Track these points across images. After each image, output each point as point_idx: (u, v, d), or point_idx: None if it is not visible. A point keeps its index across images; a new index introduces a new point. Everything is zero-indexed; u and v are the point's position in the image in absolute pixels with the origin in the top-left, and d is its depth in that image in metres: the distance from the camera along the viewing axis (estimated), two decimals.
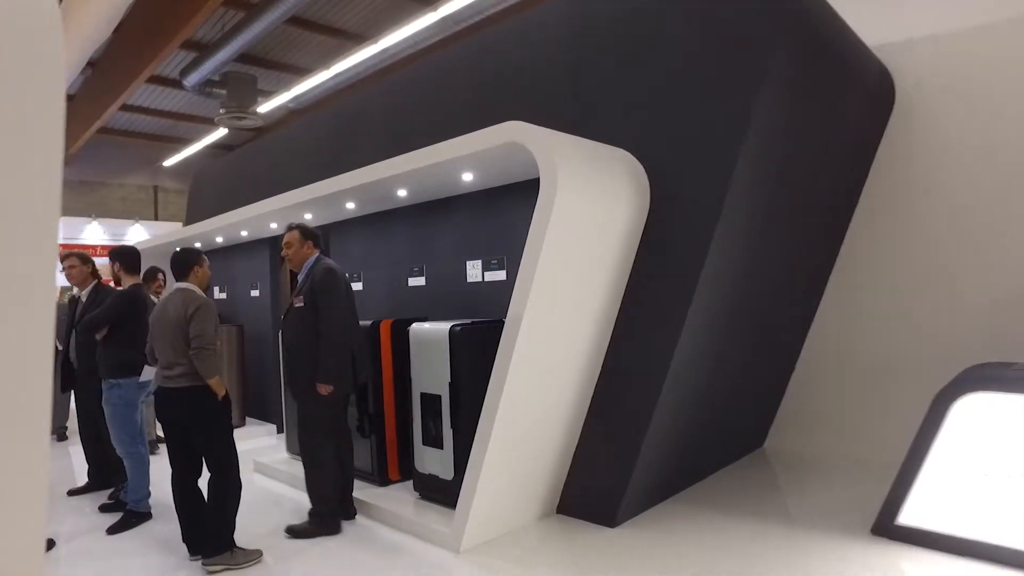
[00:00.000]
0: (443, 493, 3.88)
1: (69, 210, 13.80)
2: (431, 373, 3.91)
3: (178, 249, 3.69)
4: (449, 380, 3.80)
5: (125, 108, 13.08)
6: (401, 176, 3.98)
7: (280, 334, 4.19)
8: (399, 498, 4.10)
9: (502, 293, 4.34)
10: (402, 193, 4.52)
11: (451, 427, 3.80)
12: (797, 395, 5.29)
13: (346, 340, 3.72)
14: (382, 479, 4.35)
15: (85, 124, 12.58)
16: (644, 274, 3.70)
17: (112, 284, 4.41)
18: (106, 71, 11.60)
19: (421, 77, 5.37)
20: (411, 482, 4.15)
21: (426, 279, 4.95)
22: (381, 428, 4.34)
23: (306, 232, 3.89)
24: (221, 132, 13.36)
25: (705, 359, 3.93)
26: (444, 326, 3.85)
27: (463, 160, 3.61)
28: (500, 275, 4.39)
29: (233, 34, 10.01)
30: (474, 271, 4.55)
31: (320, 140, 6.33)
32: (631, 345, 3.69)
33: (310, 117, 6.70)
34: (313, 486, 3.77)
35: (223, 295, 7.53)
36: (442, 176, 4.01)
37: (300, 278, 3.86)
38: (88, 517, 4.23)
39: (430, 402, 3.93)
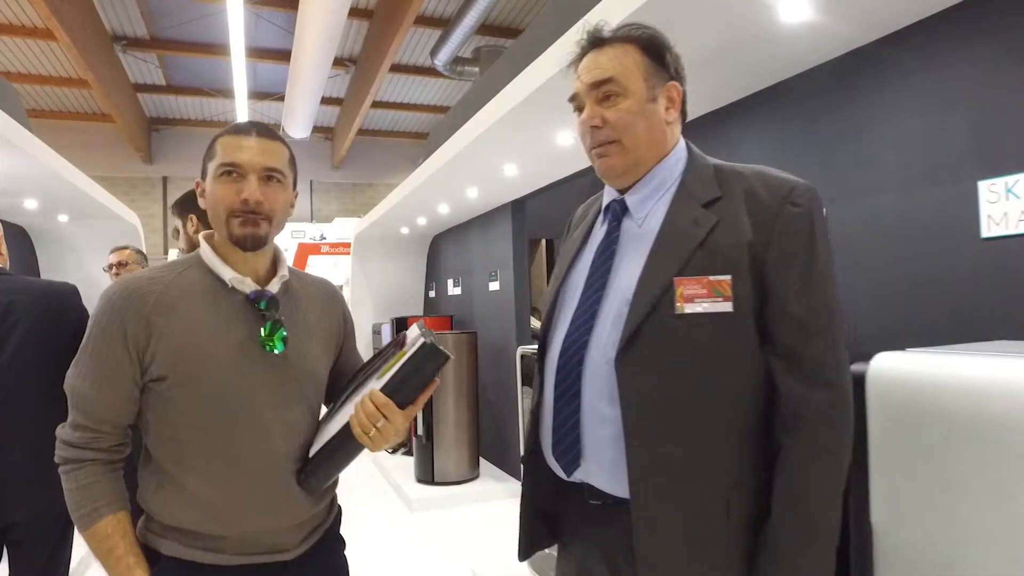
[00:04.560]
0: None
1: (342, 211, 13.80)
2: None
3: None
4: None
5: (384, 106, 12.50)
6: None
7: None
8: None
9: None
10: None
11: None
12: None
13: None
14: None
15: (349, 125, 12.23)
16: None
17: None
18: (362, 67, 10.93)
19: None
20: None
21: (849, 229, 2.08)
22: None
23: (660, 55, 1.14)
24: None
25: None
26: None
27: None
28: None
29: None
30: (1007, 208, 1.56)
31: None
32: None
33: None
34: None
35: (457, 289, 5.51)
36: None
37: (641, 207, 1.16)
38: None
39: None
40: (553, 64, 2.31)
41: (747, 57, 1.99)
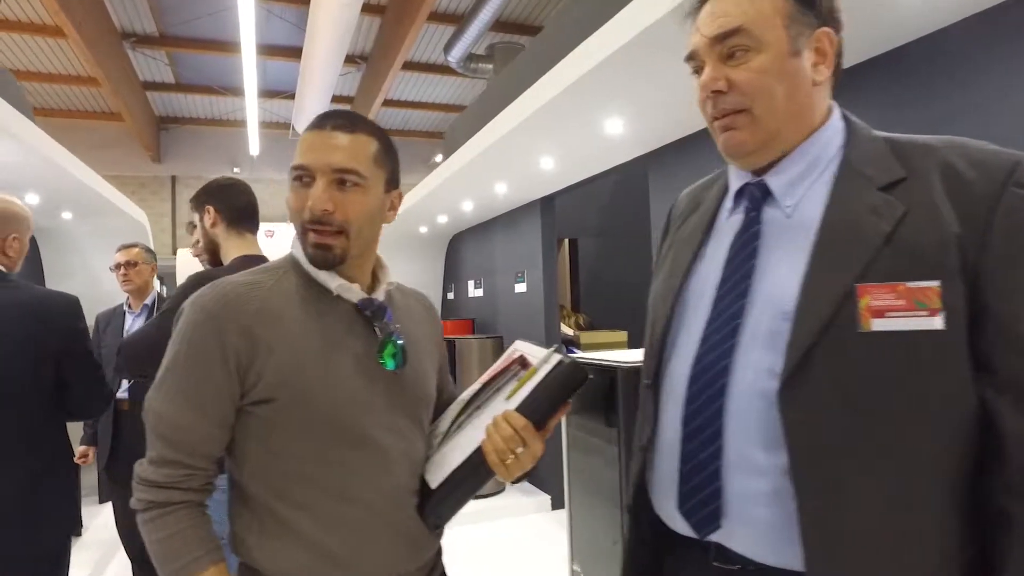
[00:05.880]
0: None
1: None
2: None
3: None
4: None
5: (396, 104, 12.28)
6: None
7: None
8: None
9: None
10: None
11: None
12: None
13: None
14: None
15: None
16: None
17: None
18: (374, 65, 10.71)
19: None
20: None
21: None
22: None
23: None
24: None
25: None
26: None
27: None
28: None
29: None
30: None
31: None
32: None
33: None
34: None
35: (479, 291, 5.26)
36: None
37: (790, 191, 0.88)
38: None
39: None
40: (601, 46, 2.04)
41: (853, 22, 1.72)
